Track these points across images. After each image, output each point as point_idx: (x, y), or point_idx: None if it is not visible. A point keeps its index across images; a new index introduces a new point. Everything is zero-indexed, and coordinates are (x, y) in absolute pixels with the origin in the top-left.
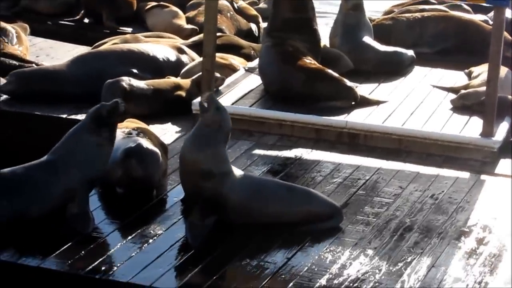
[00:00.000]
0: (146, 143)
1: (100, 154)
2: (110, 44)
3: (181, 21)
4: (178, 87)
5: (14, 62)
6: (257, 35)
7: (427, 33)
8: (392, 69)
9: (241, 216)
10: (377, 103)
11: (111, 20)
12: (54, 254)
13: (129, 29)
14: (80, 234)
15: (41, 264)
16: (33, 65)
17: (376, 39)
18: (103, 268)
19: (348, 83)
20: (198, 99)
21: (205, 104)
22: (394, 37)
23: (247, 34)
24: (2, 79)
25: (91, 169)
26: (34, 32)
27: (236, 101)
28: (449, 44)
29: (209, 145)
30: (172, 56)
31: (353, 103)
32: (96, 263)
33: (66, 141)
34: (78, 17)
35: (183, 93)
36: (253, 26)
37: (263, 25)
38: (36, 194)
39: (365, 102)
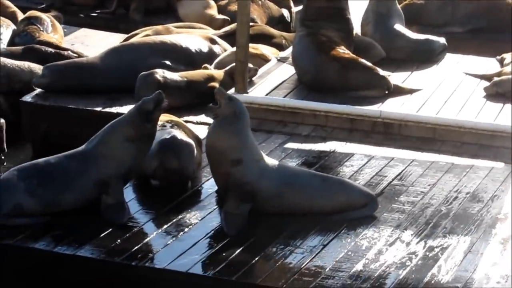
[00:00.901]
0: (180, 135)
1: (138, 149)
2: (142, 35)
3: (213, 11)
4: (211, 78)
5: (50, 49)
6: (289, 20)
7: (459, 12)
8: (424, 57)
9: (273, 205)
10: (410, 91)
11: (138, 11)
12: (89, 242)
13: (157, 21)
14: (115, 224)
15: (77, 252)
16: (69, 51)
17: (407, 19)
18: (139, 255)
19: (381, 72)
20: (232, 90)
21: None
22: (426, 17)
23: (279, 21)
24: (37, 70)
25: (127, 163)
26: (67, 24)
27: (270, 92)
28: (481, 24)
29: (232, 133)
30: (205, 46)
31: (386, 92)
32: (132, 250)
33: (106, 133)
34: (112, 9)
35: (216, 84)
36: (285, 12)
37: (295, 10)
38: (70, 184)
39: (398, 91)
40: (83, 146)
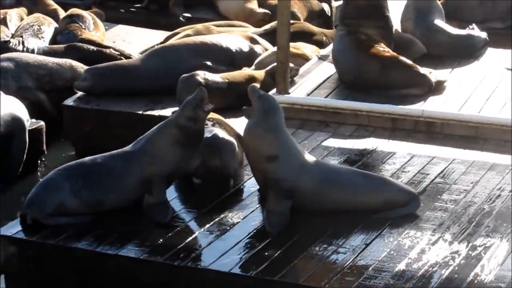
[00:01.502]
0: (222, 134)
1: (184, 152)
2: (182, 35)
3: (253, 5)
4: (252, 79)
5: (92, 47)
6: (329, 15)
7: (499, 8)
8: (465, 52)
9: (314, 202)
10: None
11: (178, 6)
12: (132, 242)
13: (197, 14)
14: (158, 223)
15: (119, 252)
16: (111, 49)
17: (447, 15)
18: (181, 255)
19: (422, 70)
20: (273, 90)
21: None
22: (466, 13)
23: (319, 15)
24: (79, 68)
25: (172, 165)
26: (108, 20)
27: (311, 92)
28: None
29: (264, 130)
30: (245, 46)
31: (428, 90)
32: (174, 250)
33: (153, 134)
34: (143, 4)
35: (258, 85)
36: (325, 6)
37: (335, 4)
38: (115, 184)
39: (439, 87)
40: (129, 146)
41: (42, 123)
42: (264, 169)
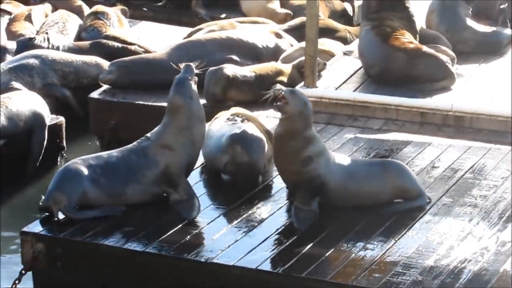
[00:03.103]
0: (251, 129)
1: (191, 135)
2: (207, 31)
3: (275, 5)
4: (280, 72)
5: (117, 44)
6: (351, 14)
7: None
8: (490, 49)
9: (341, 197)
10: None
11: (200, 6)
12: (159, 239)
13: (220, 14)
14: (185, 220)
15: (146, 249)
16: (136, 46)
17: (473, 11)
18: (209, 251)
19: (445, 58)
20: (301, 84)
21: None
22: (492, 9)
23: (342, 15)
24: (104, 65)
25: (184, 151)
26: (130, 18)
27: (339, 86)
28: None
29: (302, 130)
30: (271, 41)
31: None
32: (201, 247)
33: (162, 124)
34: (162, 3)
35: (285, 79)
36: (348, 6)
37: (358, 3)
38: (132, 175)
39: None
40: (142, 138)
41: (62, 118)
42: (298, 170)
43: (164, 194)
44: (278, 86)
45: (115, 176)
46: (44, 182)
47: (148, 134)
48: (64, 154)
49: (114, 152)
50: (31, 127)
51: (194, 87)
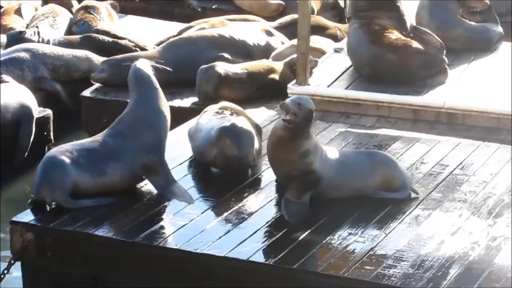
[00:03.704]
0: (240, 123)
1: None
2: (197, 28)
3: None
4: (271, 70)
5: (108, 38)
6: (343, 6)
7: None
8: (480, 46)
9: (331, 189)
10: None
11: None
12: (150, 229)
13: (212, 5)
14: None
15: (137, 239)
16: (126, 40)
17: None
18: (200, 242)
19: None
20: (293, 82)
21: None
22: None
23: (333, 6)
24: (95, 60)
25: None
26: (122, 10)
27: (332, 83)
28: None
29: (305, 137)
30: (262, 39)
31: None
32: (192, 238)
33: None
34: None
35: (276, 77)
36: None
37: None
38: (111, 156)
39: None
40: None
41: (49, 111)
42: (295, 163)
43: (143, 177)
44: (287, 101)
45: (95, 157)
46: (32, 175)
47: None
48: (52, 147)
49: (90, 138)
50: (19, 120)
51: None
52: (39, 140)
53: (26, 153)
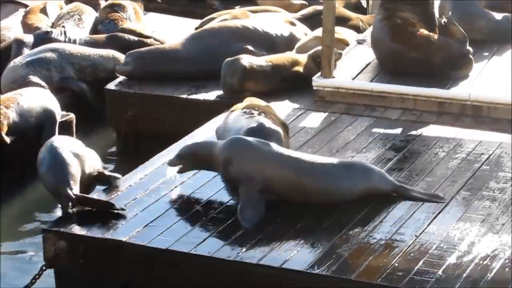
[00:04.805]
0: (268, 123)
1: None
2: (220, 20)
3: None
4: (296, 63)
5: (133, 37)
6: (365, 6)
7: None
8: (503, 37)
9: (294, 194)
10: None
11: None
12: (182, 236)
13: (234, 5)
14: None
15: (169, 247)
16: (152, 39)
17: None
18: (231, 249)
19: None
20: (318, 74)
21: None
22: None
23: (356, 7)
24: (121, 59)
25: None
26: (145, 10)
27: (356, 76)
28: None
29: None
30: (285, 30)
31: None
32: (223, 245)
33: None
34: None
35: (301, 69)
36: None
37: None
38: None
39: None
40: None
41: (72, 115)
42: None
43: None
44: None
45: None
46: None
47: None
48: None
49: None
50: (42, 124)
51: None
52: None
53: None
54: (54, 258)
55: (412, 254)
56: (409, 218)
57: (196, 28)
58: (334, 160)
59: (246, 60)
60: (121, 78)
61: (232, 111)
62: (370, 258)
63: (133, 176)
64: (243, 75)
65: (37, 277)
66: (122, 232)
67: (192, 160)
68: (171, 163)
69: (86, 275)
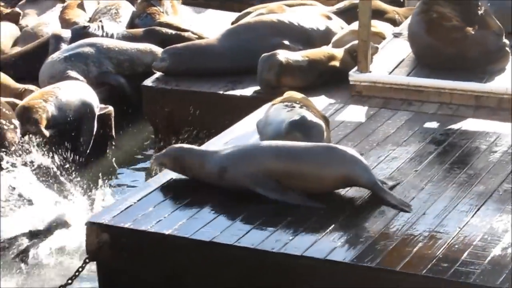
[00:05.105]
0: (310, 116)
1: None
2: (256, 14)
3: None
4: (332, 57)
5: (171, 31)
6: (402, 0)
7: None
8: None
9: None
10: None
11: None
12: (226, 229)
13: (270, 1)
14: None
15: (213, 239)
16: (189, 33)
17: None
18: (275, 241)
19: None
20: (355, 69)
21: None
22: None
23: (392, 0)
24: (159, 53)
25: None
26: (182, 3)
27: (393, 70)
28: None
29: None
30: (321, 24)
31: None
32: (267, 237)
33: None
34: None
35: (337, 64)
36: None
37: None
38: None
39: None
40: None
41: (110, 108)
42: None
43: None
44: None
45: None
46: (94, 172)
47: None
48: (114, 143)
49: None
50: (81, 117)
51: None
52: (101, 137)
53: (88, 150)
54: (97, 251)
55: (456, 246)
56: (452, 210)
57: (233, 23)
58: (319, 144)
59: (283, 55)
60: (157, 74)
61: (273, 104)
62: (415, 249)
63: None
64: (279, 70)
65: (80, 269)
66: (165, 225)
67: (176, 162)
68: (157, 160)
69: (128, 268)
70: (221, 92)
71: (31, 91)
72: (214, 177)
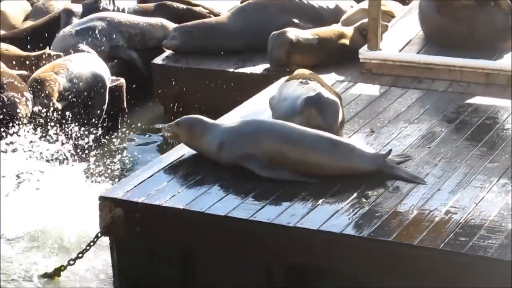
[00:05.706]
0: (325, 92)
1: None
2: None
3: None
4: (342, 35)
5: (182, 5)
6: None
7: None
8: None
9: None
10: None
11: None
12: (241, 203)
13: None
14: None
15: (228, 214)
16: (200, 7)
17: None
18: (291, 216)
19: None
20: (364, 47)
21: None
22: None
23: None
24: (170, 27)
25: None
26: None
27: (403, 48)
28: None
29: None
30: (331, 3)
31: None
32: (282, 212)
33: None
34: None
35: (347, 42)
36: None
37: None
38: None
39: None
40: None
41: (122, 80)
42: None
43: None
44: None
45: None
46: (106, 144)
47: None
48: (126, 116)
49: None
50: (92, 89)
51: None
52: (113, 109)
53: (100, 123)
54: (110, 226)
55: (473, 221)
56: (466, 186)
57: (242, 0)
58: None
59: (293, 33)
60: (168, 52)
61: (287, 81)
62: (431, 225)
63: (185, 147)
64: (289, 48)
65: (91, 244)
66: (179, 200)
67: (187, 132)
68: (170, 129)
69: (142, 243)
70: (231, 70)
71: (49, 55)
72: (213, 152)
